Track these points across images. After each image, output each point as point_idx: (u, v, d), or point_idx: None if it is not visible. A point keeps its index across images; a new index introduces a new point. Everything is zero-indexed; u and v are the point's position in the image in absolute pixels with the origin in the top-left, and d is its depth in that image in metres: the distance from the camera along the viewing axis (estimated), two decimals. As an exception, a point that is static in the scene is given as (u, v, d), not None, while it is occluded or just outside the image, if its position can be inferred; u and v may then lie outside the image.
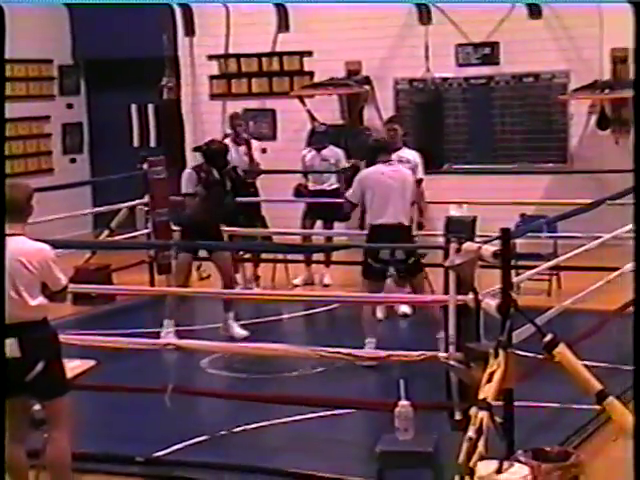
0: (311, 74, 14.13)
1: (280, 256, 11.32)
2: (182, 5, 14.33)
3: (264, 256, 11.31)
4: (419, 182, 9.40)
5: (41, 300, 5.33)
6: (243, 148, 11.31)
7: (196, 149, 10.23)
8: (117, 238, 11.10)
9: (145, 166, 11.06)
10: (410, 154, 9.61)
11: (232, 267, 9.53)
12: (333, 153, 11.62)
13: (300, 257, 11.40)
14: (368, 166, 8.52)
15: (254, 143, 11.59)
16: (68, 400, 5.46)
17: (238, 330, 8.99)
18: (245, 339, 8.71)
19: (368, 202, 8.30)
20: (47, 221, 9.30)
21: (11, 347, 5.26)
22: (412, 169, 9.23)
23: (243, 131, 11.57)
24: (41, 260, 5.32)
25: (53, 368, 5.36)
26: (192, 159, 14.51)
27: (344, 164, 11.70)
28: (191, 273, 9.44)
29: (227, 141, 11.28)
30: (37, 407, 5.54)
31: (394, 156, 9.09)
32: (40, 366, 5.28)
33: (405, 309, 9.45)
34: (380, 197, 8.18)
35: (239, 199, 9.94)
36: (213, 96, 14.73)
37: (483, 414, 4.84)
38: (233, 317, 9.06)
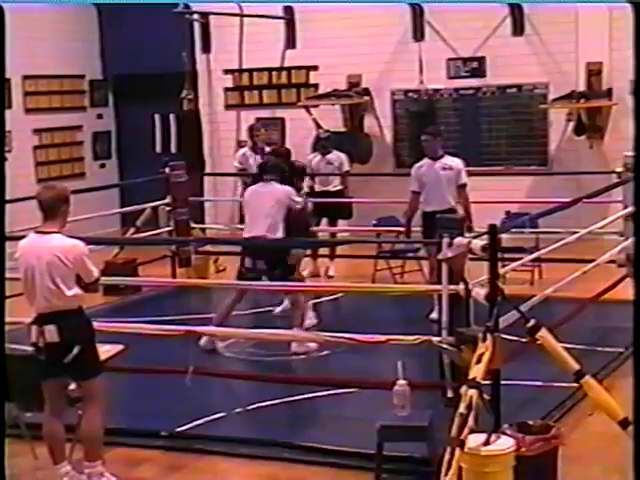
0: (316, 86, 14.11)
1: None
2: (201, 24, 14.34)
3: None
4: (463, 187, 9.02)
5: (76, 291, 5.34)
6: (260, 157, 11.30)
7: (254, 145, 10.62)
8: (142, 235, 11.09)
9: (167, 170, 11.05)
10: (453, 161, 9.10)
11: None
12: (337, 157, 11.61)
13: (307, 251, 11.38)
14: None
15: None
16: (101, 380, 5.48)
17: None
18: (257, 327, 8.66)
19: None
20: (80, 220, 9.28)
21: (50, 333, 5.28)
22: (456, 175, 8.97)
23: (261, 140, 11.52)
24: (76, 255, 5.32)
25: (88, 352, 5.37)
26: (210, 164, 14.58)
27: (347, 167, 11.70)
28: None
29: (245, 149, 11.28)
30: (73, 386, 5.55)
31: (437, 164, 8.99)
32: (76, 350, 5.29)
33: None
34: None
35: None
36: (228, 107, 14.71)
37: (473, 392, 4.84)
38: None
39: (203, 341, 8.14)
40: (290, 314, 8.48)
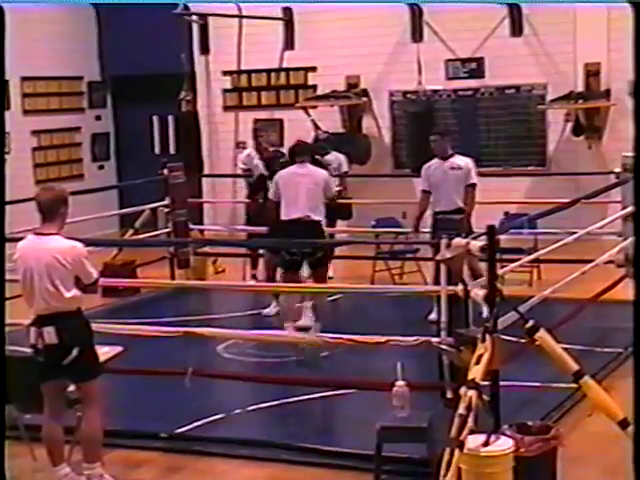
0: (314, 87, 14.12)
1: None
2: (200, 26, 14.34)
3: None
4: (471, 186, 8.94)
5: (75, 292, 5.34)
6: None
7: (257, 146, 10.40)
8: (141, 236, 11.09)
9: (165, 172, 11.05)
10: (462, 161, 9.04)
11: None
12: (335, 158, 11.60)
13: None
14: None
15: None
16: (100, 382, 5.48)
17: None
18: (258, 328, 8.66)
19: None
20: (79, 221, 9.28)
21: (49, 335, 5.27)
22: (465, 175, 8.91)
23: (265, 140, 11.50)
24: (74, 256, 5.32)
25: (87, 353, 5.36)
26: (208, 165, 14.57)
27: (345, 168, 11.69)
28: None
29: (249, 149, 11.26)
30: (71, 388, 5.55)
31: (446, 164, 8.96)
32: (75, 352, 5.28)
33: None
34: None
35: None
36: (226, 108, 14.72)
37: (472, 393, 4.84)
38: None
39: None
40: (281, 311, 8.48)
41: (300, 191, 8.17)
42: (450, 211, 8.78)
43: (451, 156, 9.03)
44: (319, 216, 8.19)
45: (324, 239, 8.16)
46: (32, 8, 13.18)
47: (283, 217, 8.27)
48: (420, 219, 9.10)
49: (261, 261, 10.89)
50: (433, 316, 7.12)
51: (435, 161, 9.08)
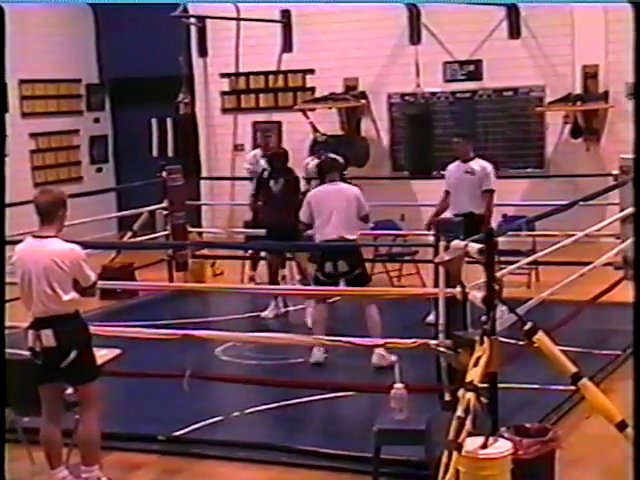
0: (313, 90, 14.12)
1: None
2: (198, 28, 14.35)
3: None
4: (487, 192, 8.90)
5: (73, 295, 5.34)
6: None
7: (265, 147, 10.30)
8: (139, 239, 11.09)
9: (164, 174, 11.06)
10: (479, 165, 9.01)
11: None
12: (333, 161, 11.57)
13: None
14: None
15: None
16: (97, 385, 5.48)
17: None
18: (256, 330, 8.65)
19: None
20: (77, 224, 9.28)
21: (47, 337, 5.28)
22: (479, 180, 8.89)
23: (271, 142, 11.51)
24: (73, 259, 5.32)
25: (85, 356, 5.37)
26: (206, 168, 14.58)
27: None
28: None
29: (257, 151, 11.26)
30: (69, 391, 5.55)
31: (464, 167, 8.95)
32: (73, 354, 5.29)
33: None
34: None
35: None
36: (225, 110, 14.72)
37: (470, 395, 4.84)
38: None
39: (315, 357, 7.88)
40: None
41: (333, 211, 7.99)
42: (461, 214, 8.65)
43: (471, 159, 9.04)
44: (354, 234, 8.06)
45: (361, 258, 8.07)
46: (31, 9, 13.18)
47: (318, 237, 8.10)
48: (436, 218, 9.10)
49: (262, 263, 10.90)
50: (431, 318, 7.12)
51: (456, 163, 9.13)
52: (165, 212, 11.04)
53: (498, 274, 5.97)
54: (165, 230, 11.07)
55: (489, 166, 9.06)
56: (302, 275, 9.32)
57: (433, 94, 13.36)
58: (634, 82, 4.51)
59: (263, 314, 9.45)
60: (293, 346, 7.77)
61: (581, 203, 8.48)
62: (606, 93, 12.59)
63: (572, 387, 5.38)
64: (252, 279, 10.83)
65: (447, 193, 9.09)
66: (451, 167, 9.16)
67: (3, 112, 5.68)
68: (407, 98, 13.48)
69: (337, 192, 8.10)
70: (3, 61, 5.11)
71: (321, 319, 7.94)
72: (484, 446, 4.75)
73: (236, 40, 14.06)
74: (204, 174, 14.46)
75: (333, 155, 9.76)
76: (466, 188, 8.92)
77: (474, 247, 5.74)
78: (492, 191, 8.97)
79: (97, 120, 15.35)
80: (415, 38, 13.40)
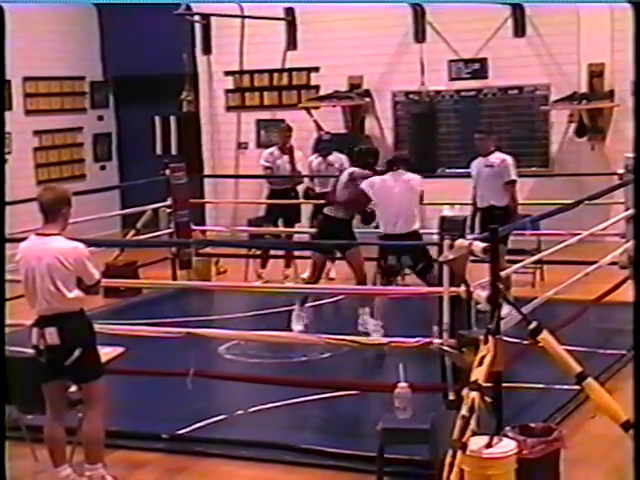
0: (317, 88, 14.12)
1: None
2: (202, 26, 14.36)
3: (274, 252, 11.30)
4: (509, 183, 9.14)
5: (77, 293, 5.34)
6: (287, 157, 11.32)
7: (284, 145, 10.29)
8: (142, 237, 11.10)
9: (167, 172, 11.06)
10: (498, 158, 9.21)
11: (363, 263, 8.95)
12: (337, 159, 11.58)
13: (308, 253, 11.38)
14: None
15: (297, 153, 11.55)
16: (101, 383, 5.48)
17: (372, 326, 8.32)
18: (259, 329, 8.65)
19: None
20: (80, 222, 9.29)
21: (51, 335, 5.28)
22: (498, 172, 9.10)
23: (290, 140, 11.54)
24: (76, 257, 5.32)
25: (89, 354, 5.37)
26: (210, 166, 14.59)
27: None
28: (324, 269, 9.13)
29: (273, 149, 11.27)
30: (73, 389, 5.55)
31: (484, 161, 9.17)
32: (77, 352, 5.29)
33: None
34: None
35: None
36: (229, 108, 14.72)
37: (474, 394, 4.84)
38: (368, 313, 8.54)
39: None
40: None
41: (396, 203, 8.08)
42: (483, 208, 9.03)
43: (491, 153, 9.25)
44: (416, 225, 8.14)
45: (424, 250, 8.07)
46: (34, 9, 13.20)
47: (383, 229, 8.22)
48: (475, 214, 9.26)
49: (271, 262, 10.87)
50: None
51: (479, 158, 9.35)
52: (169, 210, 11.04)
53: (502, 273, 5.98)
54: (169, 228, 11.07)
55: (508, 158, 9.28)
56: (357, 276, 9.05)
57: (438, 92, 13.37)
58: (634, 81, 4.52)
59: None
60: (296, 344, 7.79)
61: (586, 202, 8.46)
62: (611, 92, 12.58)
63: (577, 387, 5.39)
64: (260, 277, 10.86)
65: (475, 188, 9.35)
66: (474, 163, 9.41)
67: (2, 111, 5.67)
68: (412, 96, 13.48)
69: (403, 183, 8.17)
70: (3, 61, 5.10)
71: (382, 306, 8.01)
72: (488, 445, 4.76)
73: (240, 38, 14.06)
74: (208, 172, 14.47)
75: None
76: (486, 181, 9.16)
77: (478, 246, 5.74)
78: (514, 182, 9.22)
79: (101, 118, 15.36)
80: (420, 36, 13.40)
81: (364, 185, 8.33)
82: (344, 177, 8.66)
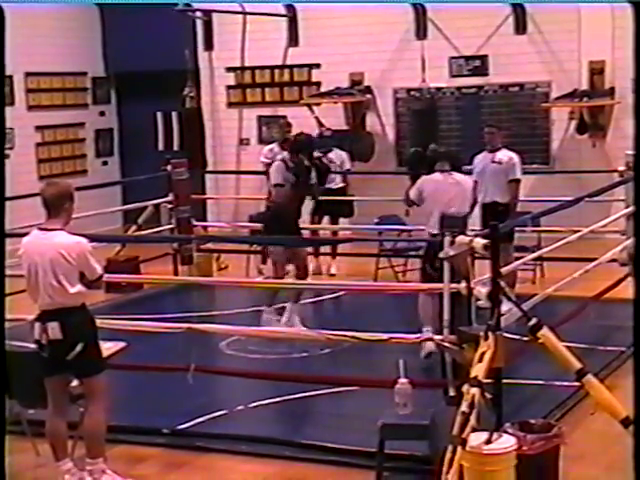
0: (318, 84, 14.11)
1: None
2: (204, 22, 14.35)
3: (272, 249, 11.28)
4: (513, 182, 9.14)
5: (79, 288, 5.34)
6: (287, 153, 11.28)
7: (284, 141, 9.85)
8: (144, 232, 11.10)
9: (169, 168, 11.06)
10: (505, 155, 9.21)
11: (307, 261, 9.03)
12: (338, 156, 11.62)
13: (309, 249, 11.40)
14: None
15: None
16: (103, 378, 5.49)
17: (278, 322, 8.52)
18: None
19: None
20: (82, 217, 9.29)
21: (53, 330, 5.28)
22: (505, 170, 9.12)
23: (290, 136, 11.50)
24: (79, 252, 5.32)
25: (91, 349, 5.37)
26: (212, 161, 14.58)
27: (348, 165, 11.70)
28: (287, 263, 8.89)
29: (274, 145, 11.27)
30: (75, 383, 5.56)
31: (490, 156, 9.21)
32: (79, 347, 5.30)
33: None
34: None
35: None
36: (230, 104, 14.72)
37: (475, 391, 4.84)
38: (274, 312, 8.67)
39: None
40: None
41: (448, 205, 7.73)
42: (486, 204, 8.97)
43: (498, 149, 9.26)
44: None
45: None
46: (36, 5, 13.19)
47: (430, 230, 7.78)
48: (473, 208, 9.18)
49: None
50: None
51: (483, 153, 9.34)
52: (170, 206, 11.04)
53: (505, 270, 5.98)
54: (170, 224, 11.07)
55: (515, 156, 9.30)
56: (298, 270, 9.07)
57: (439, 89, 13.36)
58: (635, 79, 4.52)
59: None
60: (297, 340, 7.80)
61: (586, 199, 8.47)
62: (612, 89, 12.57)
63: (577, 383, 5.39)
64: (261, 272, 10.86)
65: (476, 183, 9.21)
66: (478, 157, 9.39)
67: (2, 109, 5.69)
68: (413, 93, 13.47)
69: (455, 184, 7.85)
70: (3, 61, 5.09)
71: (429, 311, 7.48)
72: (488, 441, 4.76)
73: (242, 34, 14.05)
74: (209, 168, 14.46)
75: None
76: (491, 177, 9.13)
77: (479, 242, 5.74)
78: (518, 181, 9.22)
79: (103, 113, 15.35)
80: (421, 33, 13.39)
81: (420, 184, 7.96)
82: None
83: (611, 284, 8.32)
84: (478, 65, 13.29)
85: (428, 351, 7.26)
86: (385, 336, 6.42)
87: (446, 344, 5.97)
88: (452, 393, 5.83)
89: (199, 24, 14.45)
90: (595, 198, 8.76)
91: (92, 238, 6.11)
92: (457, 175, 7.98)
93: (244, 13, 13.89)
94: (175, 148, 14.70)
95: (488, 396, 5.09)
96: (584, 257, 8.38)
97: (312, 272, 11.13)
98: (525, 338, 5.65)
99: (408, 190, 8.08)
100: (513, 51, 12.96)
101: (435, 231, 7.67)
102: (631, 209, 8.16)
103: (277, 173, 8.71)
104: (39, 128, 14.14)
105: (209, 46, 14.61)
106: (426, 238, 7.89)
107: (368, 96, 13.69)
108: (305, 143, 8.96)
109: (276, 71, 14.35)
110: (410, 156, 8.61)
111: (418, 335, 6.32)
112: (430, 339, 6.52)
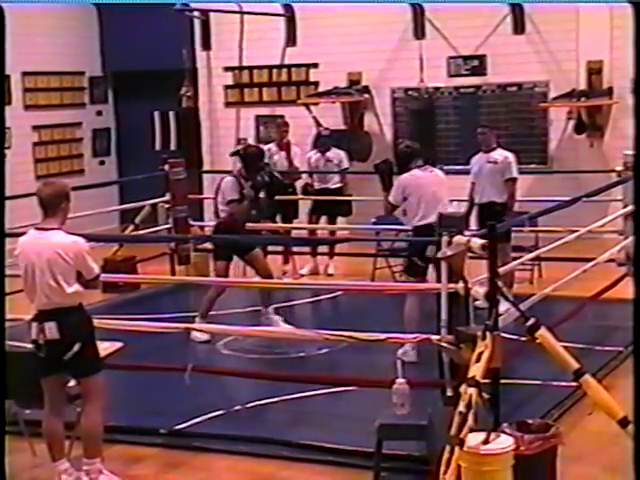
0: (316, 84, 14.12)
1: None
2: (201, 22, 14.35)
3: (272, 248, 11.29)
4: (510, 180, 9.15)
5: (76, 287, 5.34)
6: (284, 153, 11.35)
7: (234, 154, 9.75)
8: (141, 232, 11.10)
9: (166, 167, 11.05)
10: (501, 155, 9.24)
11: (266, 262, 9.03)
12: (336, 155, 11.61)
13: (307, 249, 11.41)
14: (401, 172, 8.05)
15: (294, 149, 11.58)
16: (100, 378, 5.49)
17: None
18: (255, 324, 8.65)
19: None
20: (79, 217, 9.27)
21: (51, 330, 5.28)
22: (501, 169, 9.14)
23: (287, 137, 11.55)
24: (76, 252, 5.32)
25: (88, 349, 5.37)
26: (209, 161, 14.58)
27: (346, 165, 11.71)
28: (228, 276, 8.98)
29: (271, 145, 11.29)
30: (72, 383, 5.56)
31: (486, 157, 9.21)
32: (77, 347, 5.30)
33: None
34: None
35: (278, 198, 9.55)
36: (228, 104, 14.72)
37: (472, 391, 4.85)
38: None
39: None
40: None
41: (431, 196, 7.78)
42: (482, 204, 9.04)
43: (493, 149, 9.29)
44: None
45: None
46: (32, 6, 13.18)
47: (416, 221, 7.84)
48: (471, 210, 9.23)
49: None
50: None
51: (479, 154, 9.37)
52: (167, 205, 11.04)
53: (503, 270, 5.98)
54: (167, 223, 11.06)
55: (511, 155, 9.32)
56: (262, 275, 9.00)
57: (437, 89, 13.37)
58: (635, 80, 4.53)
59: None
60: (294, 340, 7.79)
61: (584, 199, 8.49)
62: (610, 89, 12.58)
63: (574, 383, 5.39)
64: (285, 273, 10.93)
65: (473, 184, 9.31)
66: (475, 158, 9.41)
67: (2, 108, 5.69)
68: (411, 93, 13.48)
69: (434, 177, 7.93)
70: (3, 61, 5.09)
71: (415, 315, 7.56)
72: (486, 442, 4.76)
73: (240, 34, 14.04)
74: (206, 167, 14.46)
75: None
76: (488, 177, 9.16)
77: (477, 242, 5.74)
78: (515, 179, 9.24)
79: (100, 113, 15.35)
80: (419, 33, 13.39)
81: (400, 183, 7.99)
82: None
83: (609, 284, 8.32)
84: (476, 65, 13.30)
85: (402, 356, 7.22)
86: (382, 336, 6.42)
87: (444, 344, 5.97)
88: (450, 393, 5.83)
89: (197, 24, 14.45)
90: (593, 198, 8.77)
91: (89, 238, 6.10)
92: (432, 168, 8.09)
93: (242, 13, 13.88)
94: (172, 148, 14.70)
95: (486, 396, 5.10)
96: (582, 257, 8.39)
97: (310, 272, 11.19)
98: (523, 338, 5.65)
99: (386, 197, 8.07)
100: (511, 51, 12.97)
101: (420, 223, 7.74)
102: (629, 209, 8.16)
103: (232, 190, 8.62)
104: (36, 128, 14.13)
105: (207, 46, 14.60)
106: (419, 234, 7.88)
107: (366, 96, 13.70)
108: (255, 155, 8.88)
109: (274, 71, 14.35)
110: (401, 151, 8.45)
111: (415, 335, 6.31)
112: (423, 340, 6.48)
